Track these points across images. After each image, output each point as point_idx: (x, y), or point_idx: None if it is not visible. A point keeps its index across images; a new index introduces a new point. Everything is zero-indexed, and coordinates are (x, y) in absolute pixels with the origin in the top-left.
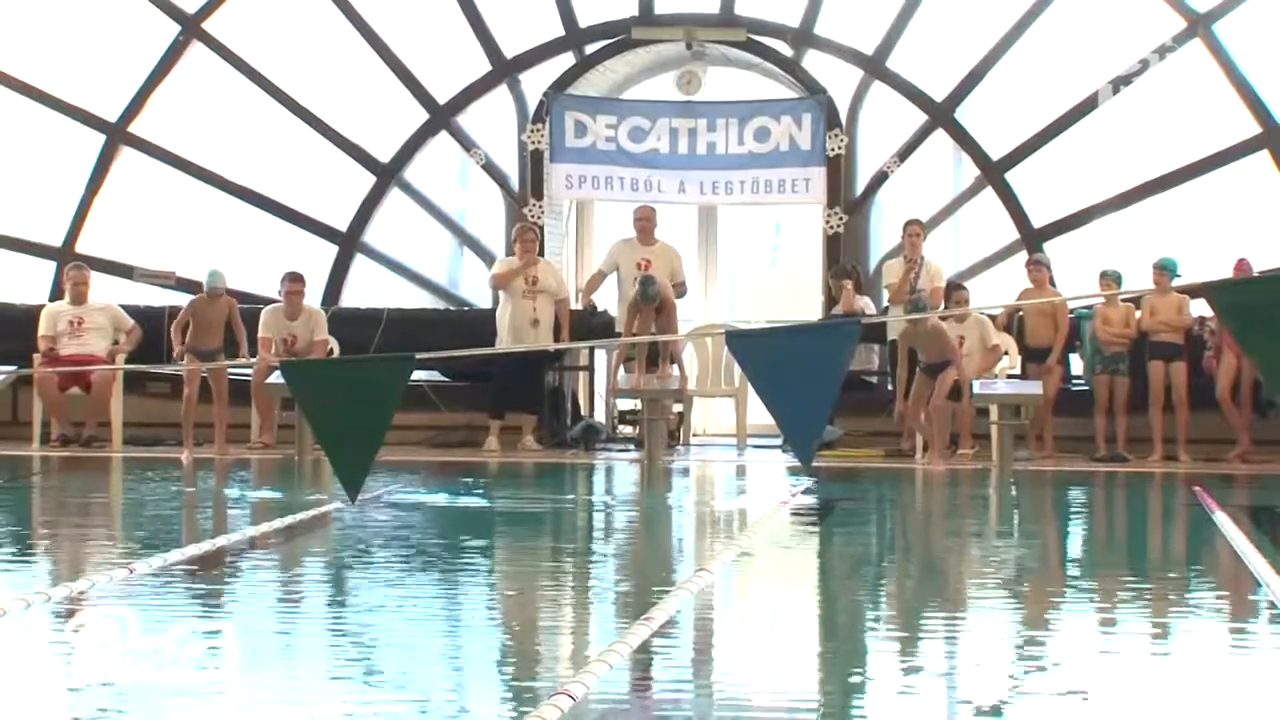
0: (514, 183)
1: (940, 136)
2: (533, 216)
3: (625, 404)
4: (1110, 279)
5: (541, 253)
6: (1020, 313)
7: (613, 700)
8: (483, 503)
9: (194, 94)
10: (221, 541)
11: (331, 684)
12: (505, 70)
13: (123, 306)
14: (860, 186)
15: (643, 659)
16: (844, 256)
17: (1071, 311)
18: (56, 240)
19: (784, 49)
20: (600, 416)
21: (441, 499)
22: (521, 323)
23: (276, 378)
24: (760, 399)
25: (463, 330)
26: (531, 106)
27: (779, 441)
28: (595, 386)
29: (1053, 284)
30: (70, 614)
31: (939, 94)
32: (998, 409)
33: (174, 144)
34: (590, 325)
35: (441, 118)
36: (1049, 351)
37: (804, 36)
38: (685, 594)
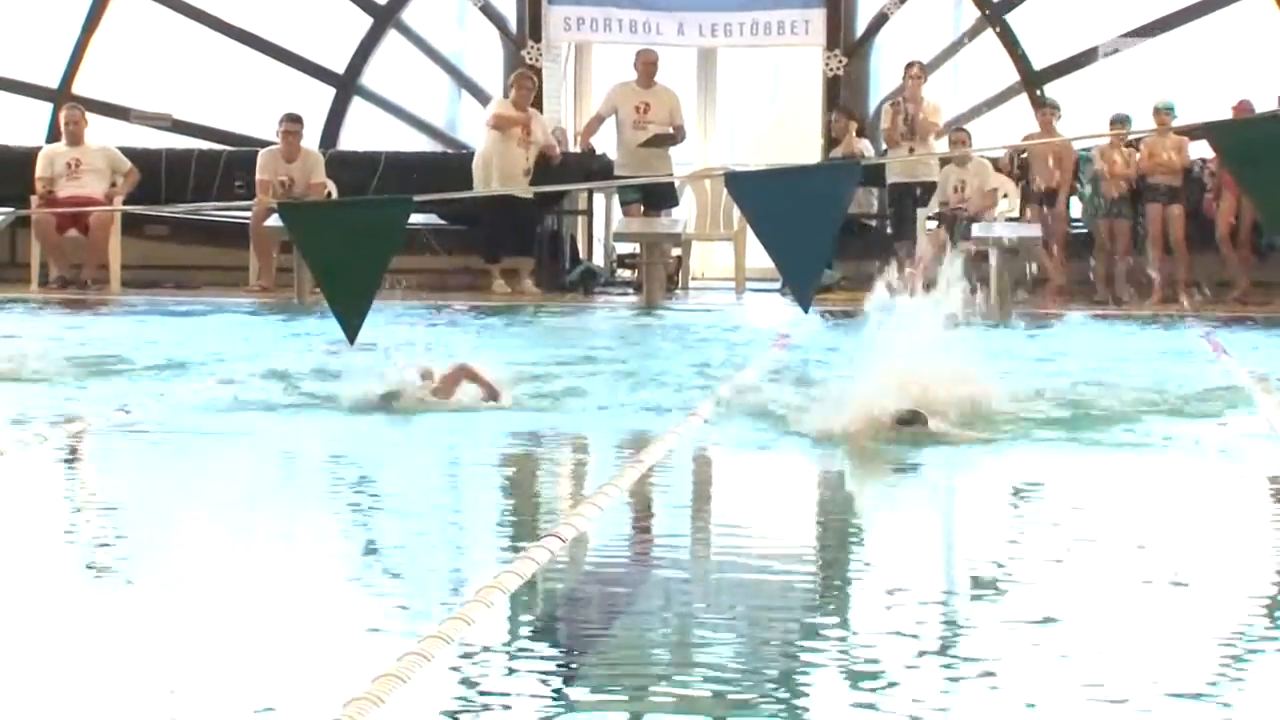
0: (512, 25)
1: None
2: (530, 59)
3: (624, 248)
4: (1119, 122)
5: (540, 99)
6: (1024, 154)
7: (603, 541)
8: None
9: None
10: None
11: (329, 514)
12: None
13: (120, 149)
14: (860, 28)
15: (633, 501)
16: (843, 99)
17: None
18: (53, 82)
19: None
20: (599, 260)
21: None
22: (513, 171)
23: (275, 220)
24: (760, 241)
25: (461, 174)
26: None
27: (778, 285)
28: (594, 230)
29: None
30: None
31: None
32: (996, 251)
33: None
34: (589, 169)
35: None
36: (1054, 194)
37: None
38: (676, 438)
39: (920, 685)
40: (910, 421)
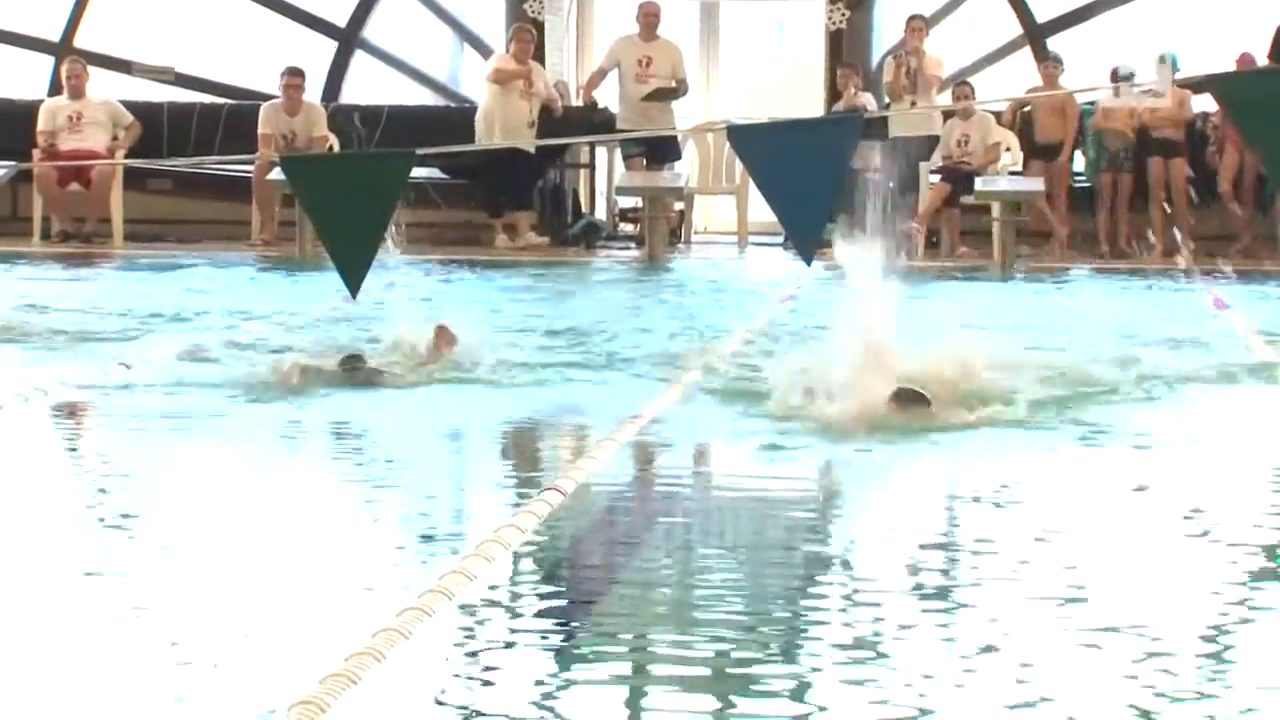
0: None
1: None
2: (533, 13)
3: (626, 202)
4: (1122, 76)
5: (541, 52)
6: (1027, 108)
7: (602, 495)
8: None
9: None
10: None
11: (326, 472)
12: None
13: (121, 102)
14: None
15: (632, 456)
16: (846, 53)
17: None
18: (54, 35)
19: None
20: (601, 214)
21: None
22: (517, 124)
23: (278, 174)
24: (762, 195)
25: (464, 128)
26: None
27: (780, 239)
28: (596, 184)
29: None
30: None
31: None
32: (999, 205)
33: None
34: (592, 123)
35: None
36: (1058, 148)
37: None
38: (676, 393)
39: (924, 642)
40: (910, 401)
